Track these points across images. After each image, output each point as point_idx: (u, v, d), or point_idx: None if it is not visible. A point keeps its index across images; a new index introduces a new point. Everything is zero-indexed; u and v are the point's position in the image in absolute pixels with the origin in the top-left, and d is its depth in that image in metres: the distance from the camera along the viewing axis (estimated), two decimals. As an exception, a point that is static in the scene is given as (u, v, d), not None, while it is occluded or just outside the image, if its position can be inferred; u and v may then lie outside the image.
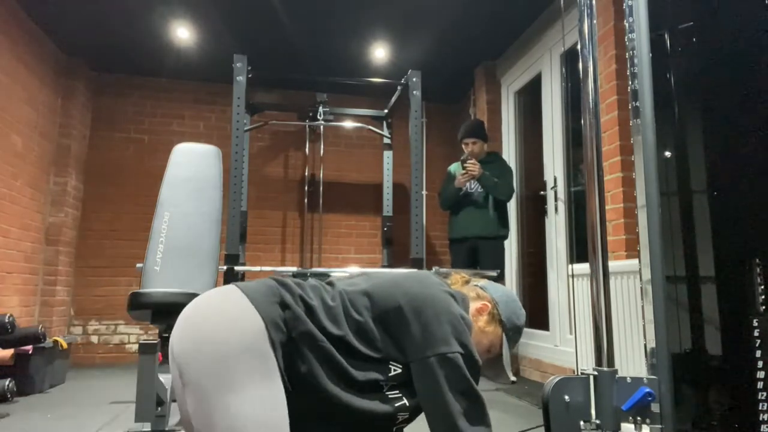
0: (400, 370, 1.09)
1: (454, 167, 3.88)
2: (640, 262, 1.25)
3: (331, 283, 1.19)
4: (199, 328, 1.02)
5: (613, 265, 2.24)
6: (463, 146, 3.79)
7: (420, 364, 1.07)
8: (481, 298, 1.30)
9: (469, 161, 3.64)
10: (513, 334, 1.30)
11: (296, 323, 1.04)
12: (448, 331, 1.08)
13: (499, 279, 3.62)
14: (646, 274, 1.23)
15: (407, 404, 1.10)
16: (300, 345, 1.03)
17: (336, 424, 1.07)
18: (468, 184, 3.69)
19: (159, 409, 1.88)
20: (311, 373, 1.03)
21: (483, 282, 1.37)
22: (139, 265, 2.15)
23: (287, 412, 0.99)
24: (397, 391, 1.10)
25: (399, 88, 4.17)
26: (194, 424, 0.98)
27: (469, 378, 1.07)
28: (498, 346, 1.28)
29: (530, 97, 4.33)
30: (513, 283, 4.27)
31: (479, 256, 3.65)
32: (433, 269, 3.30)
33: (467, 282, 1.36)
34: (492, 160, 3.80)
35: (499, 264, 3.60)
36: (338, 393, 1.03)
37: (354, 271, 4.52)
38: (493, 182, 3.61)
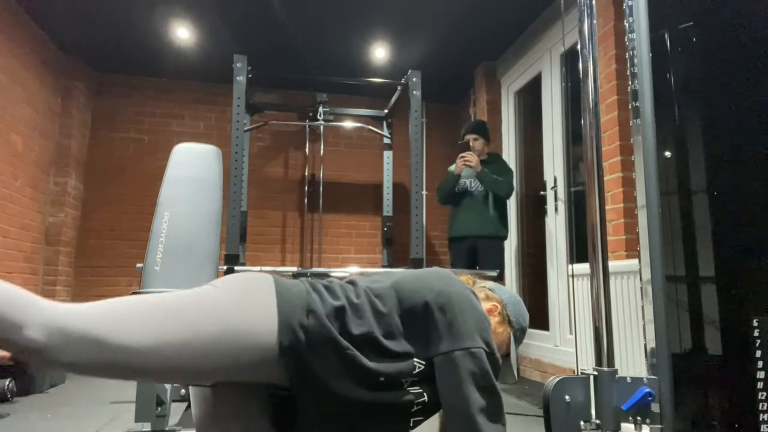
0: (423, 367, 1.10)
1: (454, 167, 3.88)
2: (640, 262, 1.25)
3: (352, 282, 1.20)
4: (222, 281, 1.08)
5: (613, 265, 2.24)
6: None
7: (444, 358, 1.08)
8: (491, 299, 1.32)
9: (467, 152, 3.64)
10: (519, 334, 1.33)
11: (321, 329, 1.04)
12: (473, 327, 1.10)
13: (499, 279, 3.61)
14: (646, 274, 1.23)
15: (426, 400, 1.11)
16: (322, 350, 1.04)
17: (351, 423, 1.09)
18: (468, 182, 3.69)
19: (159, 409, 1.88)
20: (330, 378, 1.03)
21: (489, 284, 1.39)
22: (139, 265, 2.14)
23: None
24: (418, 387, 1.11)
25: (399, 88, 4.16)
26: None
27: (491, 374, 1.08)
28: (506, 347, 1.31)
29: (530, 97, 4.33)
30: (513, 283, 4.27)
31: (479, 255, 3.64)
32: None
33: (474, 284, 1.37)
34: (493, 160, 3.80)
35: (498, 264, 3.60)
36: (356, 395, 1.04)
37: (354, 270, 4.52)
38: (492, 179, 3.60)
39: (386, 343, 1.08)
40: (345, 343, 1.05)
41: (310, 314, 1.05)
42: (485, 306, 1.27)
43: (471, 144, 3.75)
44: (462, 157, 3.64)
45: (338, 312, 1.08)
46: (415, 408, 1.11)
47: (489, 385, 1.08)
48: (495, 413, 1.07)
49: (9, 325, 0.89)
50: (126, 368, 0.95)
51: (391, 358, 1.08)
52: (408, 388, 1.10)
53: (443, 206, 4.02)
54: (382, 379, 1.06)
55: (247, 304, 1.04)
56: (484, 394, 1.06)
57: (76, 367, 0.94)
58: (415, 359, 1.10)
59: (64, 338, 0.91)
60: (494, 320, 1.28)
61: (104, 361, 0.93)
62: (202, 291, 1.07)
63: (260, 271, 3.85)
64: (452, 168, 3.91)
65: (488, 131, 3.89)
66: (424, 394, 1.11)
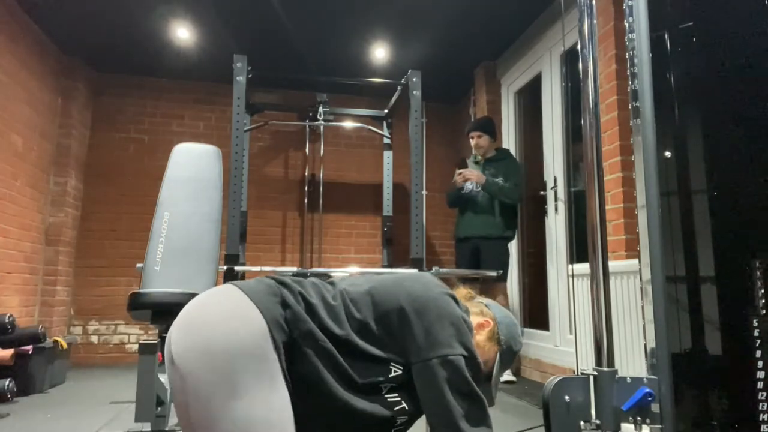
0: (400, 372, 1.09)
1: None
2: (640, 262, 1.25)
3: (332, 283, 1.18)
4: (199, 330, 0.99)
5: (613, 265, 2.24)
6: (470, 140, 3.81)
7: (422, 365, 1.07)
8: (484, 314, 1.29)
9: (465, 169, 3.67)
10: (507, 357, 1.29)
11: (297, 323, 1.04)
12: (451, 333, 1.09)
13: (503, 280, 3.62)
14: (646, 274, 1.23)
15: (406, 408, 1.10)
16: (301, 344, 1.03)
17: (335, 425, 1.07)
18: (472, 185, 3.70)
19: (159, 409, 1.88)
20: (313, 373, 1.02)
21: (487, 300, 1.37)
22: (139, 265, 2.14)
23: (292, 413, 0.98)
24: (396, 395, 1.09)
25: (399, 88, 4.16)
26: (197, 430, 0.96)
27: (471, 380, 1.07)
28: (489, 366, 1.27)
29: (530, 97, 4.33)
30: (513, 283, 4.27)
31: (482, 256, 3.65)
32: (433, 269, 3.30)
33: (472, 298, 1.36)
34: (501, 157, 3.80)
35: (502, 265, 3.60)
36: (339, 393, 1.03)
37: (354, 271, 4.52)
38: (497, 188, 3.60)
39: (362, 345, 1.07)
40: (320, 334, 1.04)
41: (286, 308, 1.05)
42: (477, 320, 1.26)
43: (475, 141, 3.76)
44: (460, 173, 3.67)
45: (310, 307, 1.07)
46: (395, 415, 1.09)
47: (469, 391, 1.07)
48: (477, 418, 1.07)
49: None
50: None
51: (367, 361, 1.07)
52: (386, 396, 1.08)
53: (452, 209, 4.05)
54: (357, 380, 1.05)
55: (237, 331, 0.99)
56: (464, 400, 1.06)
57: None
58: (391, 364, 1.08)
59: None
60: (483, 335, 1.25)
61: None
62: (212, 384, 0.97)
63: (259, 270, 3.86)
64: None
65: (493, 127, 3.90)
66: (403, 402, 1.09)
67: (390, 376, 1.08)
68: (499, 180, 3.65)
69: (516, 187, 3.66)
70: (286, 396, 0.99)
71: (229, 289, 1.08)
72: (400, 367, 1.09)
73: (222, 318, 1.01)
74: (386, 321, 1.10)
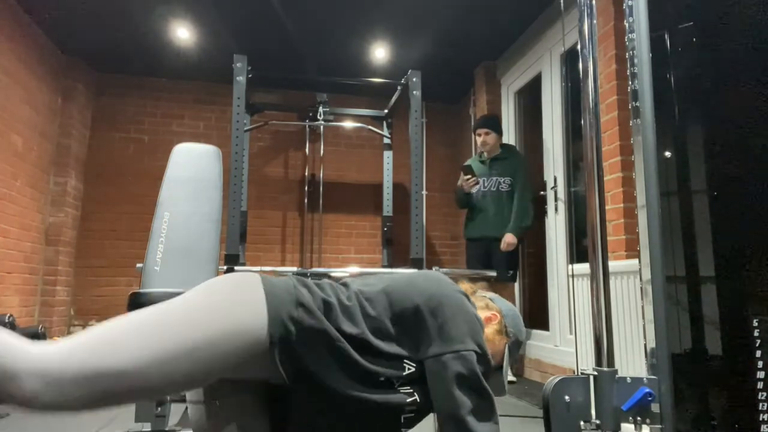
0: (413, 369, 1.11)
1: (470, 161, 3.90)
2: (640, 262, 1.25)
3: (345, 284, 1.21)
4: (208, 283, 1.10)
5: (613, 265, 2.24)
6: (476, 137, 3.81)
7: (434, 361, 1.09)
8: (490, 308, 1.33)
9: (468, 178, 3.68)
10: (514, 348, 1.34)
11: (312, 321, 1.05)
12: (465, 331, 1.11)
13: (513, 280, 3.63)
14: (646, 274, 1.23)
15: (418, 400, 1.12)
16: (313, 343, 1.05)
17: (344, 417, 1.09)
18: (480, 185, 3.70)
19: (159, 409, 1.88)
20: (322, 371, 1.04)
21: (490, 294, 1.41)
22: (139, 265, 2.14)
23: (186, 367, 0.97)
24: (409, 387, 1.12)
25: (399, 88, 4.17)
26: None
27: (481, 376, 1.09)
28: (499, 359, 1.30)
29: (530, 97, 4.33)
30: (514, 282, 4.26)
31: (492, 256, 3.65)
32: (433, 269, 3.30)
33: (474, 292, 1.38)
34: (506, 155, 3.79)
35: (511, 264, 3.60)
36: (349, 390, 1.05)
37: (354, 271, 4.52)
38: (520, 223, 3.59)
39: (377, 343, 1.09)
40: (336, 334, 1.06)
41: (300, 307, 1.06)
42: (484, 314, 1.28)
43: (482, 138, 3.75)
44: (467, 179, 3.66)
45: (327, 306, 1.09)
46: (406, 408, 1.12)
47: (479, 386, 1.09)
48: (485, 413, 1.09)
49: (1, 377, 0.86)
50: (127, 392, 0.95)
51: (382, 358, 1.09)
52: (399, 388, 1.11)
53: (462, 210, 4.04)
54: (372, 377, 1.07)
55: (235, 303, 1.04)
56: (473, 395, 1.08)
57: (74, 405, 0.92)
58: (405, 361, 1.11)
59: (60, 382, 0.89)
60: (492, 329, 1.29)
61: (103, 391, 0.92)
62: (189, 298, 1.06)
63: (260, 271, 3.86)
64: (470, 162, 3.91)
65: (500, 124, 3.90)
66: (415, 394, 1.12)
67: (404, 374, 1.11)
68: (505, 185, 3.66)
69: (525, 195, 3.65)
70: (205, 371, 1.00)
71: (252, 276, 1.12)
72: (413, 364, 1.11)
73: (230, 289, 1.08)
74: (401, 319, 1.13)
